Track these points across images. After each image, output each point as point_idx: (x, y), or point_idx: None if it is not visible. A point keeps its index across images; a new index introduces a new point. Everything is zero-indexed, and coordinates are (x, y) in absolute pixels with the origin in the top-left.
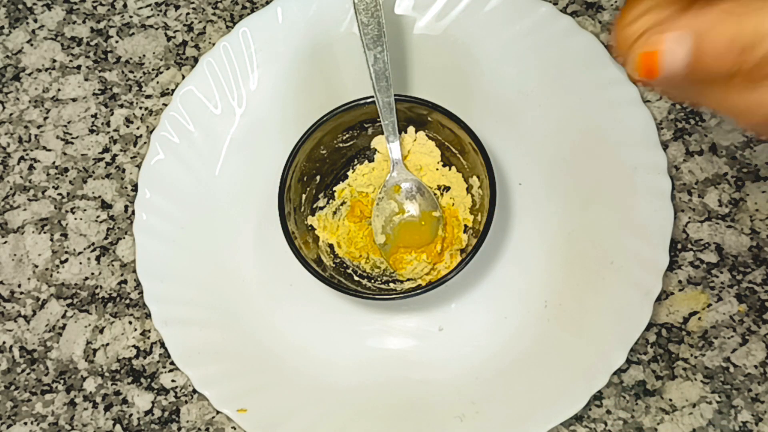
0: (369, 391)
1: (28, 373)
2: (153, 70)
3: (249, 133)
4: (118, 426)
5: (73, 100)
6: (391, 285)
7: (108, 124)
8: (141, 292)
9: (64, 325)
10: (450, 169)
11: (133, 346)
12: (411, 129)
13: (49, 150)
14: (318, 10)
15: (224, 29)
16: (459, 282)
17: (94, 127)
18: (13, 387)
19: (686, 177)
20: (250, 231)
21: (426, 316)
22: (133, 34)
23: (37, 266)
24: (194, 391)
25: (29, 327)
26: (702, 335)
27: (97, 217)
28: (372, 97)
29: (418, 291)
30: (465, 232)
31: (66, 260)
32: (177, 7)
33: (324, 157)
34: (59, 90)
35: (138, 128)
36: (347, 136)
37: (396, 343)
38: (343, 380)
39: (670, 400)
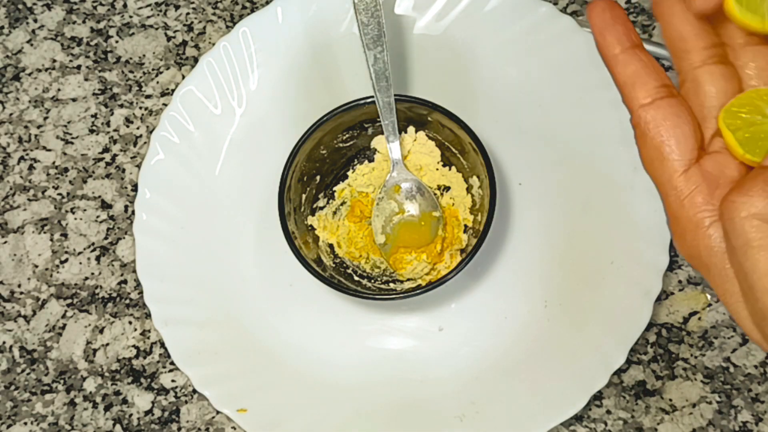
0: (369, 391)
1: (28, 373)
2: (153, 70)
3: (249, 133)
4: (118, 426)
5: (73, 100)
6: (391, 285)
7: (108, 124)
8: (141, 292)
9: (64, 325)
10: (450, 169)
11: (133, 346)
12: (411, 129)
13: (49, 150)
14: (318, 10)
15: (224, 29)
16: (459, 282)
17: (94, 127)
18: (13, 387)
19: None
20: (250, 231)
21: (426, 316)
22: (133, 34)
23: (37, 266)
24: (194, 391)
25: (29, 327)
26: (702, 335)
27: (97, 217)
28: (372, 97)
29: (418, 291)
30: (465, 232)
31: (66, 260)
32: (177, 7)
33: (324, 157)
34: (59, 90)
35: (138, 128)
36: (347, 136)
37: (396, 343)
38: (343, 380)
39: (670, 400)
